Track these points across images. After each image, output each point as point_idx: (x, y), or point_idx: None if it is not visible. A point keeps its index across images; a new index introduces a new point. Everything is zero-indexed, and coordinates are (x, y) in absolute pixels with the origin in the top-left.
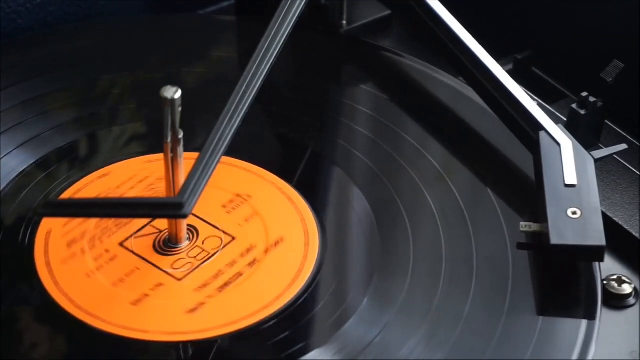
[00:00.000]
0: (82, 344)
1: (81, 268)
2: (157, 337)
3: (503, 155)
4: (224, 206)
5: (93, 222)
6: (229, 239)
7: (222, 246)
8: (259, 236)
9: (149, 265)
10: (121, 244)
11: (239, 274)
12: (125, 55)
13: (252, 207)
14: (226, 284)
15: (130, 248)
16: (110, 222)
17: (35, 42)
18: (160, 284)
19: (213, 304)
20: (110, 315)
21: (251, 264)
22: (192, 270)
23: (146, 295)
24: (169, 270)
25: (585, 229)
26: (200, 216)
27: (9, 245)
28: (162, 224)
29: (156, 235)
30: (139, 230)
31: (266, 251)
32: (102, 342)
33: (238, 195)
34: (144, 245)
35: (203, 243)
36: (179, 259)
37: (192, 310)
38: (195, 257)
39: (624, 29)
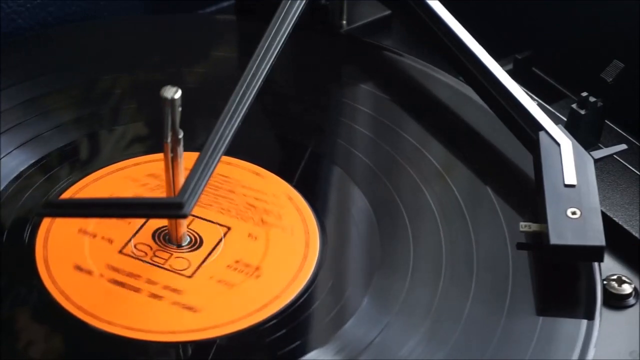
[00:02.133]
0: (81, 343)
1: (81, 267)
2: (152, 337)
3: (503, 155)
4: (224, 207)
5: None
6: (229, 239)
7: (221, 247)
8: (259, 236)
9: (148, 264)
10: (120, 251)
11: (237, 276)
12: (125, 55)
13: (252, 208)
14: (225, 285)
15: (131, 254)
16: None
17: (35, 42)
18: (159, 284)
19: (209, 304)
20: (109, 315)
21: (249, 266)
22: (200, 266)
23: (143, 294)
24: (168, 270)
25: (584, 229)
26: (201, 216)
27: (9, 245)
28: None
29: (156, 234)
30: (138, 230)
31: (266, 252)
32: (101, 342)
33: (239, 196)
34: (143, 245)
35: (203, 244)
36: (179, 259)
37: (188, 311)
38: (195, 257)
39: (624, 29)
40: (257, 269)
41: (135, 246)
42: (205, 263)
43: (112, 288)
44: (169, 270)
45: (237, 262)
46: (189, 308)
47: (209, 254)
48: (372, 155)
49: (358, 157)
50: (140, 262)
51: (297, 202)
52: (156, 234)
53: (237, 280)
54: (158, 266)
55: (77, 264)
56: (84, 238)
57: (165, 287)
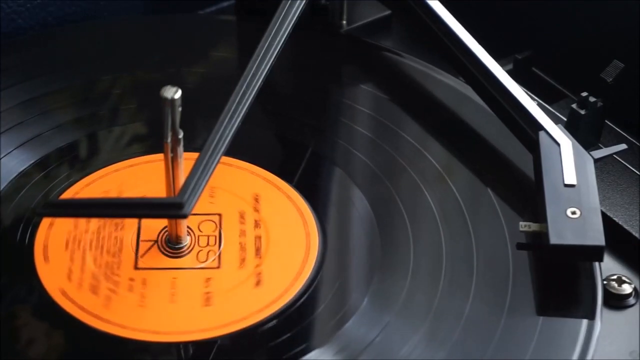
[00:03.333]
0: (80, 343)
1: (80, 267)
2: (152, 337)
3: (503, 155)
4: (224, 207)
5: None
6: (231, 236)
7: (221, 248)
8: (259, 236)
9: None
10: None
11: (237, 276)
12: (125, 55)
13: (252, 208)
14: (227, 284)
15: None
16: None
17: (35, 42)
18: (158, 284)
19: (209, 304)
20: (108, 314)
21: (256, 224)
22: (191, 271)
23: (142, 294)
24: (167, 270)
25: (584, 229)
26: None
27: (9, 245)
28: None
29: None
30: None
31: (267, 251)
32: (100, 341)
33: (239, 196)
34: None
35: (203, 244)
36: (178, 259)
37: (188, 311)
38: (194, 257)
39: (624, 29)
40: (259, 273)
41: (146, 260)
42: (206, 263)
43: (112, 289)
44: (169, 270)
45: (237, 260)
46: (191, 308)
47: (212, 254)
48: (372, 155)
49: (358, 157)
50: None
51: (297, 202)
52: (160, 234)
53: (238, 280)
54: (158, 268)
55: (78, 265)
56: (84, 242)
57: (167, 288)
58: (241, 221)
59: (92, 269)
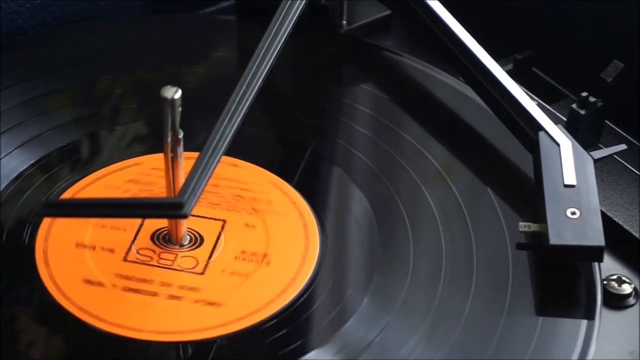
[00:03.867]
0: (80, 343)
1: (80, 266)
2: (152, 337)
3: (503, 155)
4: (224, 207)
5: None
6: (231, 236)
7: (221, 248)
8: (259, 236)
9: (163, 269)
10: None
11: (237, 277)
12: (125, 55)
13: (253, 208)
14: (226, 284)
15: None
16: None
17: (35, 42)
18: (158, 284)
19: (208, 304)
20: (108, 314)
21: (251, 262)
22: (190, 271)
23: (142, 294)
24: (167, 270)
25: (584, 229)
26: (202, 214)
27: (9, 246)
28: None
29: (156, 234)
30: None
31: (266, 252)
32: (100, 341)
33: (240, 197)
34: (143, 244)
35: (203, 244)
36: (178, 259)
37: (187, 311)
38: (194, 257)
39: (624, 29)
40: (257, 269)
41: (137, 251)
42: (215, 255)
43: (112, 288)
44: (169, 270)
45: (237, 261)
46: (191, 308)
47: (211, 255)
48: (372, 155)
49: (358, 157)
50: (147, 266)
51: (297, 202)
52: (155, 236)
53: (238, 280)
54: (169, 267)
55: (78, 265)
56: (85, 245)
57: (167, 288)
58: (243, 228)
59: (92, 269)
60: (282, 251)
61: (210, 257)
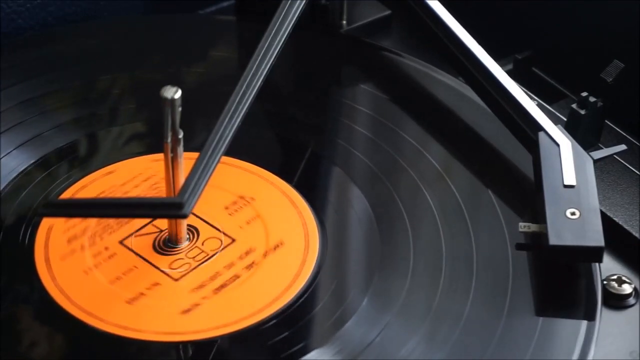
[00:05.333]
0: (80, 343)
1: (80, 266)
2: (152, 337)
3: (503, 155)
4: (226, 207)
5: (94, 219)
6: (229, 240)
7: (221, 248)
8: (259, 237)
9: (147, 264)
10: (121, 242)
11: (236, 276)
12: (125, 55)
13: (253, 208)
14: (222, 286)
15: (130, 246)
16: (111, 220)
17: (35, 42)
18: (157, 284)
19: (208, 305)
20: (108, 315)
21: (249, 266)
22: (190, 271)
23: (142, 294)
24: (167, 270)
25: (584, 230)
26: (202, 217)
27: (9, 245)
28: (163, 223)
29: (157, 234)
30: (140, 229)
31: (266, 252)
32: (100, 342)
33: (240, 197)
34: (143, 244)
35: (203, 244)
36: (178, 259)
37: (187, 311)
38: (193, 257)
39: (624, 29)
40: (256, 271)
41: (135, 244)
42: (203, 264)
43: (109, 286)
44: (167, 269)
45: (235, 264)
46: (184, 309)
47: (208, 255)
48: (372, 155)
49: (358, 157)
50: (139, 261)
51: (297, 202)
52: (157, 233)
53: (234, 283)
54: (156, 266)
55: (78, 265)
56: (84, 242)
57: (162, 287)
58: (242, 256)
59: (92, 269)
60: (282, 251)
61: (210, 258)
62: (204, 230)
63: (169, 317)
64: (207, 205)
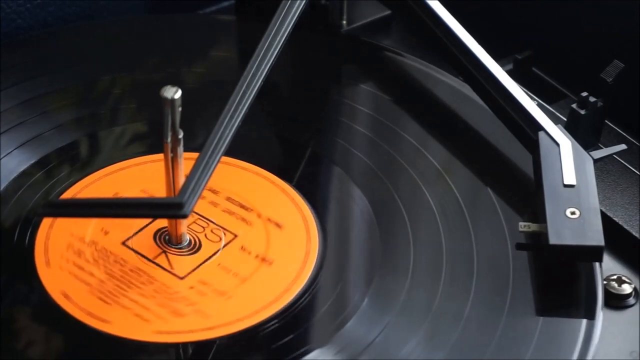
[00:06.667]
0: (81, 344)
1: (80, 266)
2: (161, 338)
3: (503, 155)
4: (226, 207)
5: (93, 221)
6: (232, 236)
7: (223, 246)
8: (260, 236)
9: (151, 264)
10: (124, 243)
11: (239, 274)
12: (125, 55)
13: (253, 208)
14: (227, 284)
15: (132, 247)
16: (110, 223)
17: (35, 42)
18: (163, 283)
19: (214, 303)
20: (110, 315)
21: (255, 259)
22: (194, 269)
23: (148, 294)
24: (171, 269)
25: (583, 229)
26: (202, 214)
27: (9, 245)
28: (163, 222)
29: (157, 235)
30: (140, 230)
31: (267, 252)
32: (102, 342)
33: (241, 197)
34: (145, 245)
35: (203, 242)
36: (181, 258)
37: (196, 309)
38: (196, 256)
39: (624, 29)
40: (259, 268)
41: (136, 245)
42: (206, 262)
43: (112, 289)
44: (170, 269)
45: (238, 261)
46: (190, 308)
47: (211, 253)
48: (372, 155)
49: (358, 157)
50: (142, 261)
51: (297, 202)
52: (157, 235)
53: (238, 280)
54: (160, 265)
55: (78, 266)
56: (84, 242)
57: (167, 286)
58: (245, 249)
59: (93, 269)
60: (282, 251)
61: (210, 258)
62: (206, 228)
63: (169, 317)
64: (207, 204)
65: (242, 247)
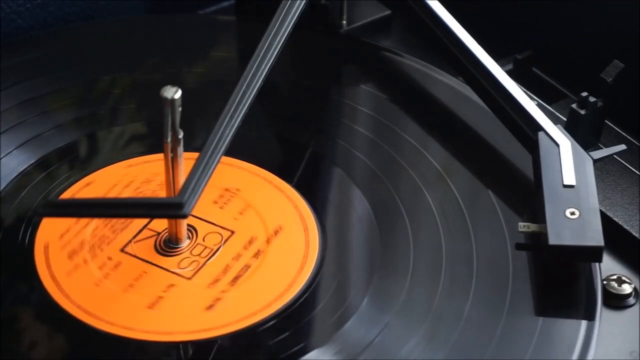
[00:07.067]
0: (81, 344)
1: (80, 266)
2: (182, 337)
3: (503, 155)
4: (224, 207)
5: (89, 231)
6: (228, 233)
7: (222, 245)
8: (259, 236)
9: (155, 267)
10: (122, 250)
11: (247, 266)
12: (125, 55)
13: (253, 208)
14: (237, 277)
15: (132, 253)
16: (107, 230)
17: (35, 42)
18: (172, 285)
19: (229, 297)
20: (110, 315)
21: (256, 254)
22: (200, 268)
23: (160, 297)
24: (177, 270)
25: (583, 230)
26: (199, 215)
27: (9, 245)
28: (159, 225)
29: (155, 237)
30: (137, 234)
31: (267, 252)
32: (102, 342)
33: (242, 198)
34: (145, 248)
35: (204, 240)
36: (184, 259)
37: (210, 307)
38: (199, 254)
39: (624, 29)
40: (263, 261)
41: (136, 250)
42: (206, 263)
43: (129, 296)
44: (177, 270)
45: (242, 255)
46: (213, 303)
47: (211, 255)
48: (372, 155)
49: (358, 157)
50: (145, 265)
51: (297, 202)
52: (156, 235)
53: (247, 273)
54: (164, 268)
55: (78, 265)
56: (84, 242)
57: (168, 287)
58: (246, 246)
59: (92, 269)
60: (282, 251)
61: (209, 258)
62: (204, 227)
63: (195, 315)
64: (206, 203)
65: (241, 248)
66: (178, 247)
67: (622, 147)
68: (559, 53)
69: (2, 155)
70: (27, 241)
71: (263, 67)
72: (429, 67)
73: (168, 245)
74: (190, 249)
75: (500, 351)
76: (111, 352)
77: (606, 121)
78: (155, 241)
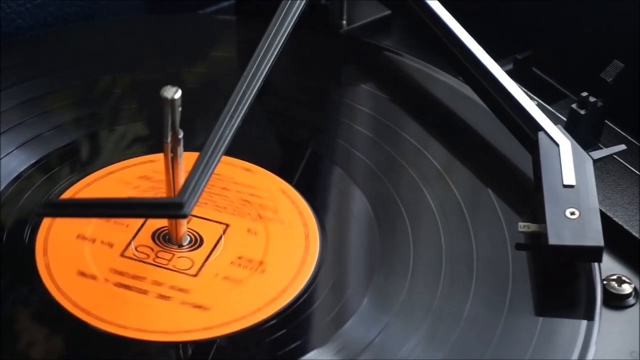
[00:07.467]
0: (82, 344)
1: (80, 266)
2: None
3: (503, 155)
4: (224, 207)
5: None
6: (231, 236)
7: (222, 246)
8: (259, 236)
9: (158, 267)
10: (122, 250)
11: (247, 266)
12: (125, 55)
13: (254, 208)
14: (236, 277)
15: (132, 256)
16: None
17: (35, 42)
18: (177, 283)
19: (236, 293)
20: (111, 315)
21: (256, 254)
22: (203, 266)
23: (168, 297)
24: (180, 269)
25: (583, 230)
26: (199, 215)
27: (9, 246)
28: (159, 224)
29: (155, 236)
30: (134, 236)
31: (266, 252)
32: (102, 342)
33: (242, 197)
34: (145, 248)
35: (204, 239)
36: (184, 258)
37: (192, 311)
38: (200, 253)
39: (624, 29)
40: (257, 269)
41: (136, 248)
42: (205, 264)
43: (112, 287)
44: (179, 268)
45: (236, 261)
46: (198, 307)
47: (211, 254)
48: (372, 155)
49: (358, 157)
50: (152, 268)
51: (297, 202)
52: (156, 235)
53: (238, 280)
54: (167, 267)
55: (79, 265)
56: (84, 242)
57: (168, 287)
58: (246, 245)
59: (92, 269)
60: (281, 251)
61: (208, 259)
62: (204, 227)
63: (194, 315)
64: (206, 203)
65: (242, 248)
66: (178, 247)
67: (622, 147)
68: (559, 53)
69: (2, 156)
70: (27, 241)
71: (263, 67)
72: (429, 67)
73: (168, 245)
74: (190, 249)
75: (500, 351)
76: (111, 351)
77: (606, 121)
78: (156, 241)
